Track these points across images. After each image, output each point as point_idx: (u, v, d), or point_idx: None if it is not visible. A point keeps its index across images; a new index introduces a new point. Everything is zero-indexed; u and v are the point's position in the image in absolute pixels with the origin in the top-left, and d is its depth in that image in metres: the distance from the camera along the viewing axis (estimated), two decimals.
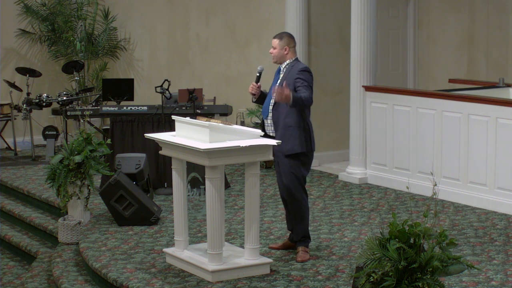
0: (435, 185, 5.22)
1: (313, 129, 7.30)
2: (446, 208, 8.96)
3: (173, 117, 7.18)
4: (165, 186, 9.94)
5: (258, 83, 7.27)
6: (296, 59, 7.25)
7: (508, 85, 10.56)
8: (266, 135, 7.12)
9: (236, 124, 9.57)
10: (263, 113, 7.28)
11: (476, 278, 6.61)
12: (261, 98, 7.32)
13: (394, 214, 5.16)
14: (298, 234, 7.25)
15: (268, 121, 7.21)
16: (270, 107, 7.17)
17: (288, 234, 7.55)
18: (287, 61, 7.22)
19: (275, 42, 7.22)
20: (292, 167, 7.11)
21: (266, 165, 11.11)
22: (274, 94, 6.95)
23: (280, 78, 7.20)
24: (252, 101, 7.43)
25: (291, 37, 7.25)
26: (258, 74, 7.27)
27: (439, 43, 12.21)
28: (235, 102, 12.23)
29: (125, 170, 8.85)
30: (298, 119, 7.08)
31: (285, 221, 7.61)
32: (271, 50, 7.22)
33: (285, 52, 7.19)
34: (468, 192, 9.13)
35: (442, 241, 5.03)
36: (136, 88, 13.09)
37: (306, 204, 7.22)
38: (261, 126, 7.34)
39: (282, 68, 7.25)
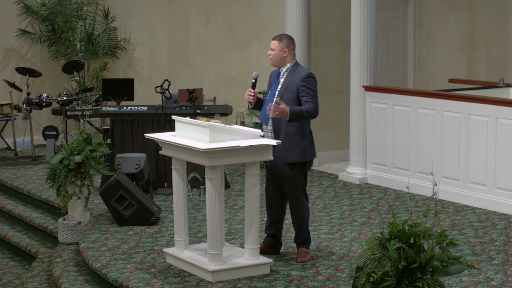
0: (435, 185, 5.21)
1: (314, 129, 7.25)
2: (446, 208, 8.96)
3: (173, 117, 7.17)
4: (165, 186, 9.93)
5: (255, 90, 7.07)
6: (296, 62, 7.09)
7: (508, 85, 10.56)
8: None
9: (236, 124, 9.57)
10: (262, 119, 7.10)
11: (476, 278, 6.61)
12: (257, 104, 7.14)
13: (394, 214, 5.16)
14: (300, 237, 7.21)
15: (268, 128, 7.03)
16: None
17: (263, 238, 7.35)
18: (287, 65, 7.04)
19: (274, 44, 7.02)
20: (294, 176, 7.02)
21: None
22: (269, 112, 6.76)
23: (281, 83, 7.02)
24: (248, 108, 7.24)
25: (290, 39, 7.06)
26: (253, 81, 7.06)
27: (439, 43, 12.20)
28: (235, 102, 12.22)
29: (125, 170, 8.85)
30: (300, 127, 6.96)
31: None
32: (270, 52, 7.03)
33: (284, 55, 7.01)
34: (468, 192, 9.13)
35: (442, 241, 5.03)
36: (136, 88, 13.09)
37: (306, 208, 7.16)
38: (261, 128, 7.23)
39: (282, 72, 7.07)
